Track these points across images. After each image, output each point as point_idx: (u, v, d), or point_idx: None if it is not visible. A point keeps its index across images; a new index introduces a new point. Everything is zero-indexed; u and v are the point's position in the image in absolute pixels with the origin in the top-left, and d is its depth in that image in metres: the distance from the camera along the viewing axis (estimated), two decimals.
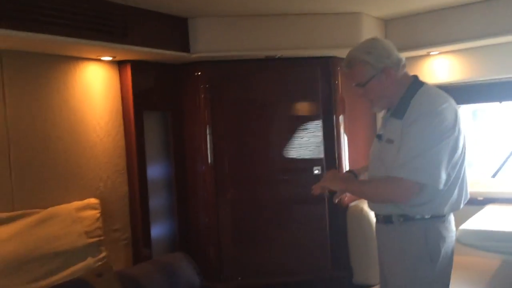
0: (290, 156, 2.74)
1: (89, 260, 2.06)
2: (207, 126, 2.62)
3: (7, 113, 1.97)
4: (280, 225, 2.75)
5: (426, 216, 1.71)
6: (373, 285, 2.64)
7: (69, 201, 2.15)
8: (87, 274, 1.65)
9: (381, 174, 1.72)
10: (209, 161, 2.62)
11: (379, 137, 1.79)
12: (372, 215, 2.62)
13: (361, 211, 2.67)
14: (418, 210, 1.70)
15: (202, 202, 2.66)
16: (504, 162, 2.92)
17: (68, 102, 2.21)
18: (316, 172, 2.75)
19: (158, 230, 2.59)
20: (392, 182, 1.67)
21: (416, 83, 1.73)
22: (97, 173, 2.33)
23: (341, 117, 2.77)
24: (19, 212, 1.94)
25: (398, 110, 1.71)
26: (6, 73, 1.97)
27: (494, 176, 2.93)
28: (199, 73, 2.64)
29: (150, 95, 2.56)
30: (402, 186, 1.65)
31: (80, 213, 2.10)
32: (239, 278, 2.65)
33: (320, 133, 2.75)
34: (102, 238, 2.16)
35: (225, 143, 2.68)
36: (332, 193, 1.89)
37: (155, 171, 2.60)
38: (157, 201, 2.60)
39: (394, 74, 1.70)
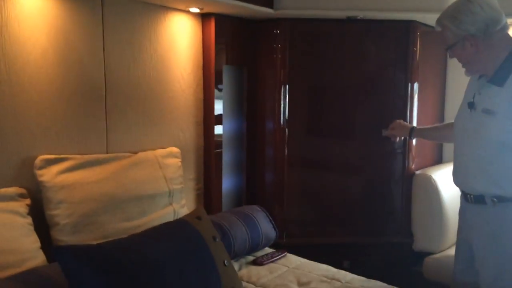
0: (362, 119, 2.78)
1: (174, 206, 2.18)
2: (282, 86, 2.66)
3: (105, 60, 2.05)
4: (346, 187, 2.82)
5: None
6: (434, 253, 2.71)
7: (154, 148, 2.26)
8: (188, 216, 1.76)
9: (476, 151, 1.67)
10: (281, 121, 2.67)
11: (470, 105, 1.71)
12: (441, 185, 2.68)
13: (429, 180, 2.70)
14: None
15: (271, 160, 2.74)
16: None
17: (157, 52, 2.28)
18: (384, 134, 2.78)
19: (226, 183, 2.69)
20: None
21: None
22: (178, 123, 2.42)
23: (415, 85, 2.77)
24: (113, 154, 2.06)
25: (497, 76, 1.63)
26: (107, 19, 2.04)
27: None
28: (278, 31, 2.65)
29: (230, 50, 2.61)
30: None
31: (165, 160, 2.21)
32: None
33: (392, 99, 2.77)
34: (183, 185, 2.28)
35: (299, 104, 2.72)
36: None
37: (228, 125, 2.68)
38: (228, 155, 2.70)
39: (480, 42, 1.62)
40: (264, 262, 2.03)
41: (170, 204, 2.16)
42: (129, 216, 1.95)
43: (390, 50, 2.77)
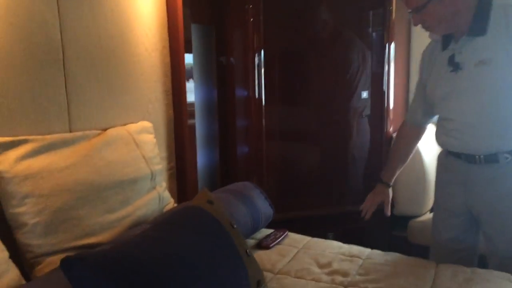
0: (341, 84, 2.63)
1: (158, 189, 1.87)
2: (256, 52, 2.39)
3: (61, 16, 1.64)
4: (326, 156, 2.68)
5: None
6: (417, 216, 2.68)
7: (123, 123, 1.91)
8: (197, 201, 1.47)
9: (483, 108, 1.62)
10: (257, 90, 2.42)
11: (456, 66, 1.64)
12: (421, 148, 2.63)
13: None
14: None
15: (247, 132, 2.50)
16: None
17: (118, 5, 1.89)
18: (364, 96, 2.67)
19: (199, 160, 2.41)
20: None
21: None
22: (146, 93, 2.08)
23: (392, 45, 2.66)
24: (80, 133, 1.68)
25: (475, 27, 1.59)
26: None
27: None
28: None
29: (197, 4, 2.28)
30: None
31: (140, 137, 1.88)
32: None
33: (369, 62, 2.66)
34: (162, 165, 1.97)
35: (276, 70, 2.49)
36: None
37: (198, 94, 2.38)
38: (199, 127, 2.40)
39: None
40: (271, 245, 1.82)
41: (154, 188, 1.85)
42: (111, 207, 1.62)
43: (366, 12, 2.63)
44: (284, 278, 1.56)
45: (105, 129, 1.80)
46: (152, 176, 1.84)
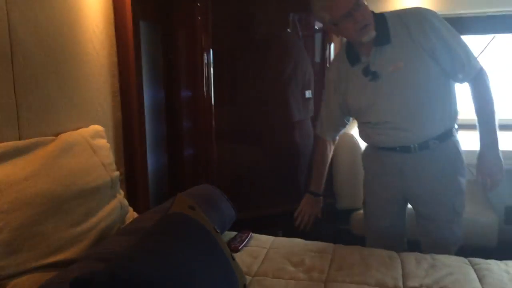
0: (286, 84, 2.68)
1: (118, 197, 1.77)
2: (205, 52, 2.34)
3: (9, 17, 1.48)
4: (273, 156, 2.72)
5: (455, 127, 1.90)
6: (359, 209, 2.82)
7: (74, 127, 1.78)
8: (180, 207, 1.41)
9: (408, 106, 1.80)
10: (205, 90, 2.38)
11: (374, 75, 1.81)
12: (361, 143, 2.77)
13: (351, 138, 2.77)
14: (456, 120, 1.88)
15: (196, 134, 2.45)
16: None
17: (68, 1, 1.76)
18: (307, 95, 2.75)
19: (148, 163, 2.32)
20: (484, 80, 1.81)
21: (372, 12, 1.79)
22: (95, 94, 1.95)
23: (332, 46, 2.77)
24: (33, 140, 1.53)
25: (379, 37, 1.77)
26: None
27: None
28: None
29: (145, 2, 2.19)
30: (487, 75, 1.82)
31: (95, 142, 1.76)
32: None
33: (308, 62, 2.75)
34: (118, 172, 1.86)
35: (225, 70, 2.48)
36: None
37: (146, 95, 2.28)
38: (147, 129, 2.31)
39: None
40: (239, 247, 1.81)
41: (114, 196, 1.75)
42: (75, 219, 1.50)
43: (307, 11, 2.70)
44: (263, 280, 1.57)
45: (56, 135, 1.66)
46: (112, 183, 1.73)
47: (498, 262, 1.66)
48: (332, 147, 2.21)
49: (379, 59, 1.79)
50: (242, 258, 1.72)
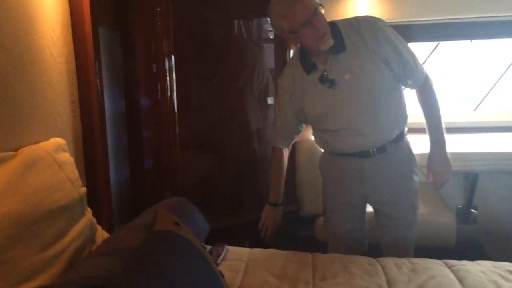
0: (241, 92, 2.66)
1: (87, 214, 1.65)
2: (166, 58, 2.25)
3: None
4: (234, 165, 2.67)
5: (406, 129, 2.00)
6: (319, 215, 2.84)
7: (34, 141, 1.64)
8: (165, 224, 1.33)
9: (366, 111, 1.86)
10: (168, 98, 2.29)
11: (331, 83, 1.85)
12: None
13: (311, 144, 2.79)
14: (407, 123, 1.98)
15: (159, 144, 2.35)
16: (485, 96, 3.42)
17: (23, 4, 1.62)
18: (269, 102, 2.74)
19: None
20: (430, 86, 1.95)
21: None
22: (54, 105, 1.82)
23: (292, 51, 2.78)
24: None
25: (335, 45, 1.82)
26: None
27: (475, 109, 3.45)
28: None
29: (102, 6, 2.07)
30: (431, 81, 1.96)
31: (59, 156, 1.63)
32: None
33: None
34: (85, 188, 1.74)
35: (189, 77, 2.40)
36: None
37: (107, 104, 2.16)
38: (109, 141, 2.19)
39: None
40: (218, 261, 1.75)
41: (83, 213, 1.63)
42: (45, 242, 1.37)
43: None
44: None
45: (15, 149, 1.52)
46: (80, 200, 1.61)
47: (471, 262, 1.73)
48: (287, 155, 2.23)
49: (336, 67, 1.83)
50: (223, 273, 1.66)
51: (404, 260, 1.77)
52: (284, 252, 1.89)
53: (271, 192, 2.24)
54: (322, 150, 2.17)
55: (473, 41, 3.36)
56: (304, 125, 2.17)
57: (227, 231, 2.55)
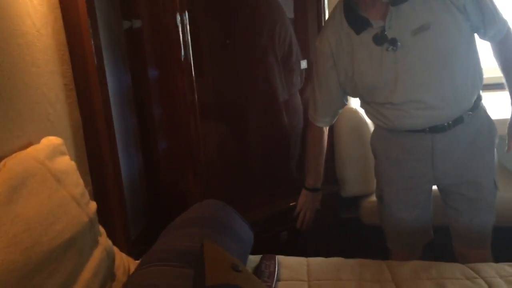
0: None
1: (102, 242, 1.26)
2: (176, 12, 1.79)
3: None
4: (266, 143, 2.28)
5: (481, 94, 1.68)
6: (368, 195, 2.47)
7: (21, 144, 1.23)
8: (221, 271, 0.93)
9: (445, 78, 1.52)
10: (183, 60, 1.83)
11: (392, 43, 1.50)
12: (368, 120, 2.38)
13: (355, 114, 2.37)
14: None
15: (175, 116, 1.91)
16: None
17: None
18: (303, 66, 2.31)
19: None
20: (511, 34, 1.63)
21: None
22: (43, 92, 1.39)
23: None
24: None
25: None
26: None
27: None
28: None
29: None
30: None
31: (55, 165, 1.22)
32: None
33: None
34: (94, 203, 1.34)
35: (205, 35, 1.95)
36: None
37: (109, 80, 1.72)
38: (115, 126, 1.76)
39: None
40: (273, 286, 1.38)
41: (96, 242, 1.24)
42: None
43: None
44: None
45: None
46: (91, 224, 1.22)
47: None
48: (326, 132, 1.96)
49: (397, 22, 1.49)
50: None
51: (505, 266, 1.41)
52: (350, 261, 1.54)
53: (309, 176, 1.99)
54: (374, 124, 1.80)
55: None
56: (348, 97, 1.83)
57: (260, 224, 2.17)
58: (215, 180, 2.15)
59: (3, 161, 1.10)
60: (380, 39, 1.52)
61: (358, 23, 1.55)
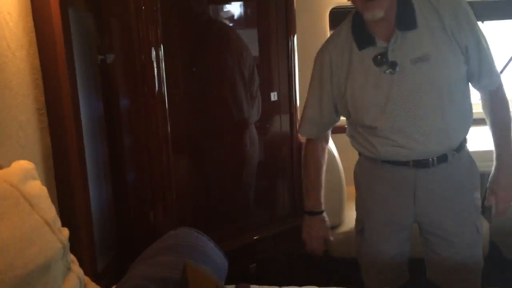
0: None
1: (74, 269, 1.22)
2: (153, 47, 1.81)
3: None
4: (238, 173, 2.28)
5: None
6: (333, 227, 2.49)
7: None
8: None
9: (430, 110, 1.54)
10: (156, 94, 1.84)
11: (391, 65, 1.52)
12: (336, 152, 2.44)
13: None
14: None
15: (148, 149, 1.89)
16: None
17: None
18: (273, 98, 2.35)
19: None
20: (503, 93, 1.66)
21: None
22: (15, 115, 1.36)
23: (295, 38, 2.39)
24: None
25: (404, 19, 1.51)
26: None
27: None
28: None
29: None
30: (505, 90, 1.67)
31: (27, 189, 1.18)
32: None
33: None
34: (66, 229, 1.30)
35: (179, 69, 1.97)
36: None
37: (82, 107, 1.70)
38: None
39: None
40: None
41: (68, 268, 1.20)
42: None
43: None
44: None
45: None
46: (64, 250, 1.18)
47: None
48: (325, 149, 1.89)
49: (401, 47, 1.50)
50: None
51: None
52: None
53: (308, 197, 1.88)
54: (358, 155, 1.80)
55: (485, 22, 3.09)
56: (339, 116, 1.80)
57: (230, 255, 2.15)
58: (185, 212, 2.13)
59: None
60: (380, 60, 1.52)
61: (362, 38, 1.56)
